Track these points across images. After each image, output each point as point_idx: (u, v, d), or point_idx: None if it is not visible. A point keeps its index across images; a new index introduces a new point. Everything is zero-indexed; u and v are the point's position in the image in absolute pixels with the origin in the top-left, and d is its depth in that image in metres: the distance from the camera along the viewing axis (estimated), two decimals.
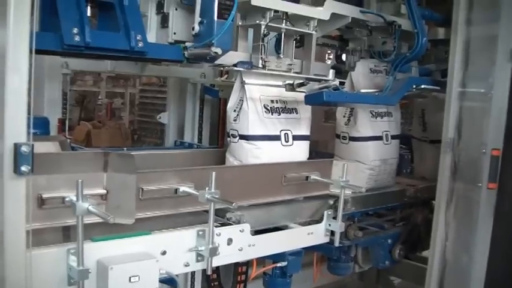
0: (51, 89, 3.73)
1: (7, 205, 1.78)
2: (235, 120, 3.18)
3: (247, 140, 3.13)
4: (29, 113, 1.79)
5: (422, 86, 3.91)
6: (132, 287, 2.21)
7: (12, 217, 1.79)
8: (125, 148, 3.50)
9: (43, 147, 2.77)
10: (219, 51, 2.70)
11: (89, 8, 2.60)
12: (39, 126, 3.21)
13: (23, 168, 1.76)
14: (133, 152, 3.10)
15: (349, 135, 3.74)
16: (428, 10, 3.91)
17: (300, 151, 3.35)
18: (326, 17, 3.36)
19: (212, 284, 3.88)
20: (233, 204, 2.45)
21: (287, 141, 3.27)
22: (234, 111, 3.18)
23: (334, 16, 3.41)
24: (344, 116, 3.79)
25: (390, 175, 3.92)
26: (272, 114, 3.22)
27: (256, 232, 2.93)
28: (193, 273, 4.10)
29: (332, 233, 3.23)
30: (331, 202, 3.34)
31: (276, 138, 3.22)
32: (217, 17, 2.73)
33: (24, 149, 1.75)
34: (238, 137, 3.17)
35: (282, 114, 3.28)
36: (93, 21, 2.71)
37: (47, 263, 2.10)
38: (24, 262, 1.84)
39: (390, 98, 3.63)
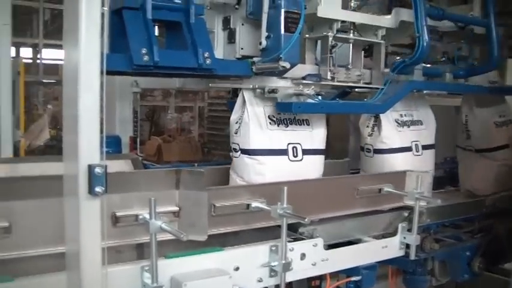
0: (122, 108, 3.83)
1: (83, 224, 1.81)
2: (236, 133, 2.98)
3: (248, 154, 2.93)
4: (101, 133, 1.82)
5: (425, 92, 3.66)
6: None
7: (88, 236, 1.83)
8: (196, 164, 3.54)
9: (116, 165, 2.85)
10: (287, 65, 2.68)
11: (156, 27, 2.65)
12: (112, 145, 3.32)
13: (97, 189, 1.79)
14: (204, 168, 3.12)
15: (374, 147, 3.48)
16: (439, 9, 3.53)
17: (311, 167, 3.08)
18: (394, 25, 3.29)
19: None
20: (305, 220, 2.42)
21: (295, 156, 3.02)
22: (236, 123, 2.98)
23: (403, 24, 3.34)
24: (367, 127, 3.53)
25: (425, 190, 3.49)
26: (278, 126, 2.99)
27: (330, 246, 2.89)
28: None
29: (407, 245, 3.14)
30: (406, 214, 3.25)
31: (283, 152, 2.98)
32: (284, 31, 2.71)
33: (98, 170, 1.78)
34: (239, 151, 2.97)
35: (290, 125, 3.03)
36: (161, 40, 2.75)
37: (122, 280, 2.14)
38: (100, 279, 1.87)
39: (378, 106, 3.23)
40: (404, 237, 3.12)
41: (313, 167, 3.08)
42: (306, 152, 3.04)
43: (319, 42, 3.21)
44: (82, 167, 1.79)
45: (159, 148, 10.06)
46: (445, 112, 4.34)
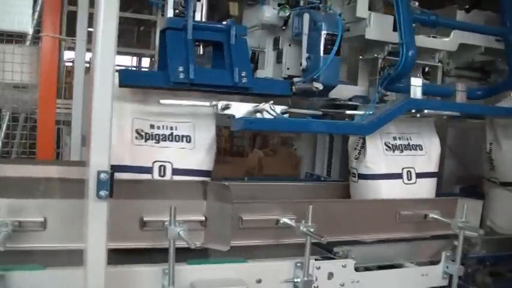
0: None
1: (90, 224, 1.96)
2: None
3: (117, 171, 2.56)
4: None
5: (426, 111, 3.07)
6: None
7: (93, 235, 1.97)
8: (246, 178, 3.65)
9: None
10: (319, 86, 2.71)
11: (201, 47, 2.81)
12: None
13: (101, 193, 1.94)
14: (253, 183, 3.25)
15: (358, 171, 3.16)
16: (431, 14, 3.15)
17: None
18: (453, 48, 3.20)
19: None
20: (322, 239, 2.44)
21: (163, 176, 2.72)
22: None
23: (464, 46, 3.24)
24: (355, 149, 3.19)
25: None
26: (146, 141, 2.71)
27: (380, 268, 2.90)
28: None
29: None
30: (456, 243, 3.12)
31: (147, 170, 2.70)
32: (323, 53, 2.75)
33: (102, 176, 1.94)
34: None
35: (163, 142, 2.73)
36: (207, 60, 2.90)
37: (144, 280, 2.32)
38: (103, 278, 2.01)
39: (362, 127, 2.89)
40: (447, 267, 2.99)
41: None
42: (177, 172, 2.75)
43: None
44: (92, 172, 1.96)
45: (260, 161, 10.32)
46: None
